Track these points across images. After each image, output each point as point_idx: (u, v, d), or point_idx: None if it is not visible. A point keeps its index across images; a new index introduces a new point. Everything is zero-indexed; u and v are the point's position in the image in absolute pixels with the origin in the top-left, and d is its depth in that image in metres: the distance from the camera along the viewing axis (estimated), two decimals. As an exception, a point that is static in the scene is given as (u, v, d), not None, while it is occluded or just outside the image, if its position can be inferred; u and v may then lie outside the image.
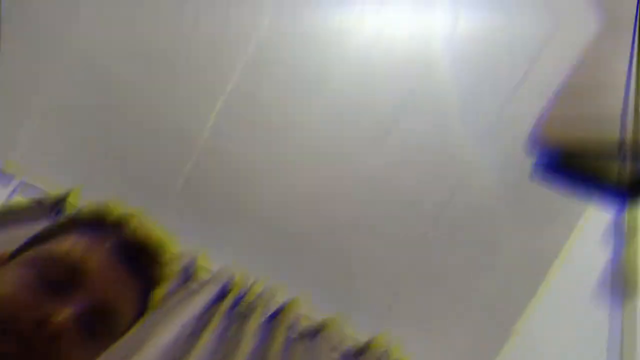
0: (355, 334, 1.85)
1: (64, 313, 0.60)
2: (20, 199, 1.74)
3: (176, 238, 1.85)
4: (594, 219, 1.73)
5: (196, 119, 1.88)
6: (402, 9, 1.77)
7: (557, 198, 1.78)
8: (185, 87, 1.87)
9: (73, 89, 1.88)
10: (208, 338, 1.46)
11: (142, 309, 0.74)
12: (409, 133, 1.84)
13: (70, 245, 0.68)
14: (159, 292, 0.78)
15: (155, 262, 0.74)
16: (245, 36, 1.80)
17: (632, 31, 1.18)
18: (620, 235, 1.50)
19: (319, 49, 1.81)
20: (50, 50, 1.85)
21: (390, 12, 1.79)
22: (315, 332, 1.76)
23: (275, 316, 1.74)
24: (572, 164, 1.36)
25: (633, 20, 1.19)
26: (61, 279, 0.63)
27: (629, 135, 1.10)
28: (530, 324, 1.82)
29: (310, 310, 1.86)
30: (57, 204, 1.72)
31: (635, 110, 1.12)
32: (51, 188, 1.81)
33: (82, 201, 1.79)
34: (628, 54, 1.14)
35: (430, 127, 1.83)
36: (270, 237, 1.94)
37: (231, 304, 1.64)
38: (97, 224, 0.73)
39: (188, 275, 1.77)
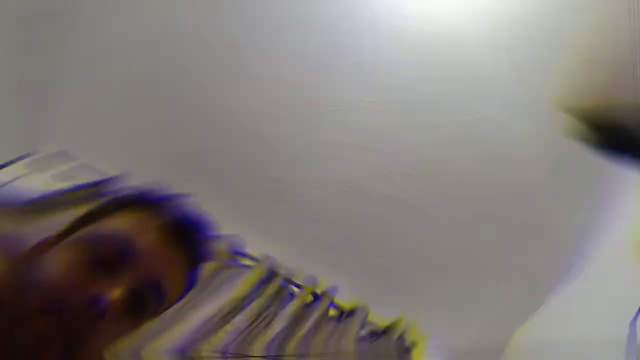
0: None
1: (116, 292, 0.60)
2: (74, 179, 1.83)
3: (222, 221, 2.02)
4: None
5: (242, 102, 1.93)
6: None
7: (598, 172, 1.73)
8: (232, 74, 1.92)
9: (115, 74, 1.96)
10: (246, 316, 1.57)
11: (190, 285, 0.74)
12: (455, 111, 1.82)
13: (120, 223, 0.68)
14: (207, 270, 0.81)
15: (202, 241, 0.75)
16: (284, 20, 1.84)
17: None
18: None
19: (359, 32, 1.81)
20: (91, 33, 1.90)
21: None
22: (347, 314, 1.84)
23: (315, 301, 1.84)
24: (607, 127, 1.34)
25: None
26: (112, 257, 0.63)
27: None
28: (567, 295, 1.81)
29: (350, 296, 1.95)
30: (109, 186, 1.79)
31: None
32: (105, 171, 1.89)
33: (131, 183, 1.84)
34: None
35: (467, 102, 1.80)
36: (316, 222, 2.00)
37: (275, 288, 1.74)
38: (146, 202, 0.74)
39: (231, 258, 1.90)
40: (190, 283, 0.74)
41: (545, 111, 1.75)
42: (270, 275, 1.84)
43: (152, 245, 0.66)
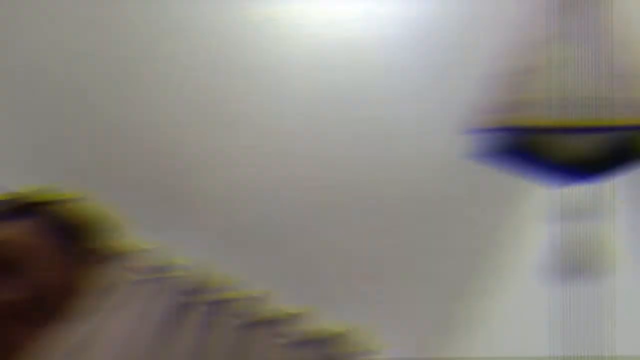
0: (327, 323, 1.86)
1: (6, 296, 0.60)
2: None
3: (129, 233, 1.89)
4: (538, 199, 1.75)
5: (144, 111, 1.89)
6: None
7: (501, 180, 1.82)
8: (129, 80, 1.87)
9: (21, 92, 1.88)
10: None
11: (86, 286, 0.71)
12: (364, 120, 1.84)
13: (7, 229, 0.67)
14: (103, 270, 0.74)
15: (93, 239, 0.73)
16: (189, 26, 1.83)
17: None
18: (566, 213, 1.53)
19: (264, 36, 1.83)
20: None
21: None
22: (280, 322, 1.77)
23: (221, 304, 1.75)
24: (515, 146, 1.40)
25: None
26: (1, 262, 0.63)
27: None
28: (483, 306, 1.85)
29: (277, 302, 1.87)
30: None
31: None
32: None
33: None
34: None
35: (386, 111, 1.83)
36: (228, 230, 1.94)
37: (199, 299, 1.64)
38: (30, 207, 0.71)
39: (146, 270, 1.79)
40: (87, 283, 0.71)
41: (462, 120, 1.82)
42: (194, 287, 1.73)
43: (36, 250, 0.65)
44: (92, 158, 1.92)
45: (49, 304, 0.65)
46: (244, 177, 1.91)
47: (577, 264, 1.48)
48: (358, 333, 1.76)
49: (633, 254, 1.54)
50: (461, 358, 1.77)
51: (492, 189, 1.83)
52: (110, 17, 1.81)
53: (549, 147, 1.32)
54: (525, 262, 1.64)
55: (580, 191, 1.50)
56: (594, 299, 1.46)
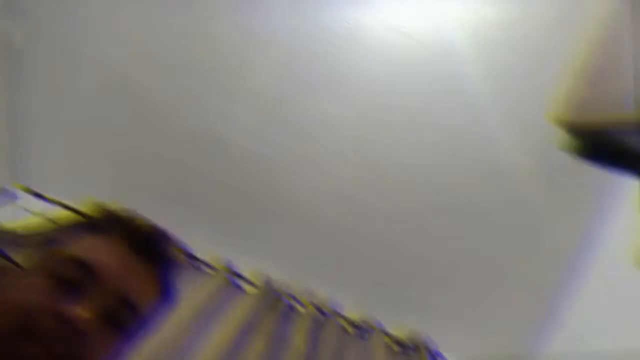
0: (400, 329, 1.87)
1: (86, 309, 0.62)
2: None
3: (210, 243, 1.89)
4: (627, 195, 1.74)
5: (222, 122, 1.88)
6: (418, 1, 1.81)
7: (589, 180, 1.81)
8: (211, 93, 1.87)
9: (96, 102, 1.90)
10: (261, 340, 1.47)
11: (163, 291, 0.77)
12: (439, 126, 1.84)
13: (80, 245, 0.70)
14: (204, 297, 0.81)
15: (164, 250, 0.77)
16: (263, 37, 1.82)
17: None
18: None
19: (338, 47, 1.82)
20: (69, 64, 1.87)
21: (406, 4, 1.82)
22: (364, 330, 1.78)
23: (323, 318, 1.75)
24: (606, 143, 1.38)
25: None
26: (76, 278, 0.65)
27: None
28: (576, 304, 1.83)
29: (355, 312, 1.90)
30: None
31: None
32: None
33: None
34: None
35: (461, 117, 1.83)
36: (303, 238, 1.95)
37: (278, 308, 1.65)
38: (103, 223, 0.76)
39: (230, 281, 1.79)
40: (164, 290, 0.77)
41: (538, 124, 1.81)
42: (272, 294, 1.74)
43: (112, 261, 0.68)
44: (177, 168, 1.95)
45: (129, 308, 0.69)
46: (327, 183, 1.92)
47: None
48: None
49: None
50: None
51: (586, 187, 1.83)
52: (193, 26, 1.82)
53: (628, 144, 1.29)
54: (610, 255, 1.62)
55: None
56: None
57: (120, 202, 1.75)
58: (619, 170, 1.45)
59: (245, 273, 1.86)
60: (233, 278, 1.82)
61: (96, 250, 0.69)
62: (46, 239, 0.74)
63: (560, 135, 1.44)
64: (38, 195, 1.85)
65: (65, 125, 1.93)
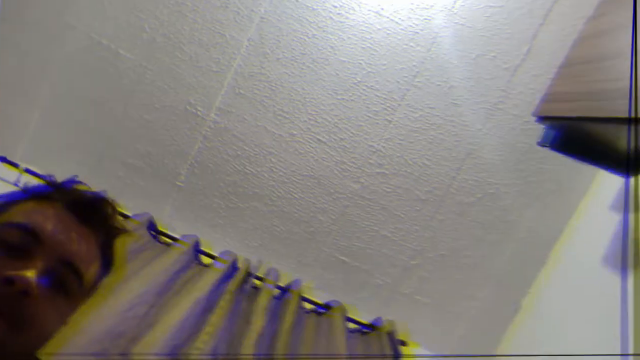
0: (364, 314, 1.87)
1: (29, 271, 0.62)
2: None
3: (182, 219, 1.87)
4: (601, 190, 1.75)
5: (203, 99, 1.89)
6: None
7: (563, 170, 1.83)
8: (190, 68, 1.87)
9: (78, 74, 1.89)
10: (220, 315, 1.46)
11: (106, 261, 0.77)
12: (414, 109, 1.85)
13: (22, 210, 0.71)
14: (120, 245, 0.81)
15: (107, 216, 0.77)
16: (246, 16, 1.82)
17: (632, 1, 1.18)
18: (628, 204, 1.53)
19: (319, 27, 1.83)
20: (53, 36, 1.86)
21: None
22: (322, 311, 1.78)
23: (283, 296, 1.75)
24: (579, 136, 1.38)
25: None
26: (20, 242, 0.66)
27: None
28: (540, 296, 1.84)
29: (317, 292, 1.89)
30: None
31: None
32: (59, 174, 1.80)
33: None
34: (630, 25, 1.14)
35: (435, 102, 1.84)
36: (274, 218, 1.96)
37: (239, 284, 1.64)
38: (47, 191, 0.76)
39: (193, 257, 1.78)
40: (106, 258, 0.77)
41: (513, 113, 1.83)
42: (233, 271, 1.73)
43: (56, 226, 0.69)
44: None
45: (72, 272, 0.70)
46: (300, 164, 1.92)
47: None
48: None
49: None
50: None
51: (562, 179, 1.84)
52: None
53: (619, 138, 1.29)
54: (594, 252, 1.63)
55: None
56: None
57: (91, 172, 1.73)
58: (592, 163, 1.46)
59: (210, 249, 1.86)
60: (196, 253, 1.81)
61: (39, 216, 0.70)
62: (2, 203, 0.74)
63: (535, 125, 1.45)
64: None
65: (42, 94, 1.91)
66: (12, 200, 0.75)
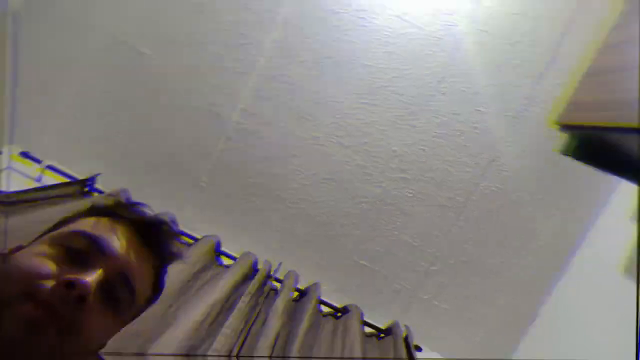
0: (381, 318, 1.88)
1: (89, 278, 0.64)
2: (52, 181, 1.79)
3: (201, 219, 1.90)
4: (622, 200, 1.72)
5: (227, 100, 1.91)
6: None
7: (584, 179, 1.80)
8: (213, 68, 1.89)
9: (103, 73, 1.93)
10: (238, 317, 1.48)
11: (157, 286, 0.80)
12: (438, 114, 1.85)
13: (90, 223, 0.73)
14: (188, 272, 0.83)
15: (167, 242, 0.79)
16: (268, 18, 1.84)
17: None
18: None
19: (343, 31, 1.83)
20: (78, 36, 1.90)
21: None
22: (340, 315, 1.79)
23: (301, 298, 1.77)
24: (601, 145, 1.36)
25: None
26: (83, 250, 0.68)
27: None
28: (558, 304, 1.83)
29: (335, 295, 1.91)
30: (84, 185, 1.79)
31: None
32: (82, 171, 1.87)
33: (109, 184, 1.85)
34: None
35: (459, 108, 1.83)
36: (296, 221, 1.97)
37: (259, 286, 1.66)
38: (113, 208, 0.79)
39: (214, 257, 1.81)
40: (159, 282, 0.80)
41: (535, 120, 1.81)
42: (253, 273, 1.75)
43: (120, 241, 0.71)
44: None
45: (127, 288, 0.71)
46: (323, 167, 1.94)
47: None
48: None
49: None
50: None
51: (583, 188, 1.82)
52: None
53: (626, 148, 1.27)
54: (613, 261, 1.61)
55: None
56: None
57: (114, 170, 1.76)
58: (614, 173, 1.45)
59: (232, 252, 1.88)
60: (217, 254, 1.84)
61: (104, 229, 0.72)
62: (61, 218, 0.77)
63: (557, 134, 1.44)
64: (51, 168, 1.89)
65: (66, 93, 1.95)
66: (76, 213, 0.78)
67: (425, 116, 1.86)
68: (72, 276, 0.63)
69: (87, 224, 0.73)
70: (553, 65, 1.78)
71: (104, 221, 0.74)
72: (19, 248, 0.72)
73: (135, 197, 1.82)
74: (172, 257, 0.81)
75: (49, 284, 0.62)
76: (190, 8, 1.86)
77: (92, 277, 0.65)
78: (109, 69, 1.92)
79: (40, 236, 0.73)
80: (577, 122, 1.39)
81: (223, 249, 1.87)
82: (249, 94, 1.90)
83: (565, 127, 1.41)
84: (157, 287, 0.80)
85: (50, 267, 0.64)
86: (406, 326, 1.82)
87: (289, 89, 1.89)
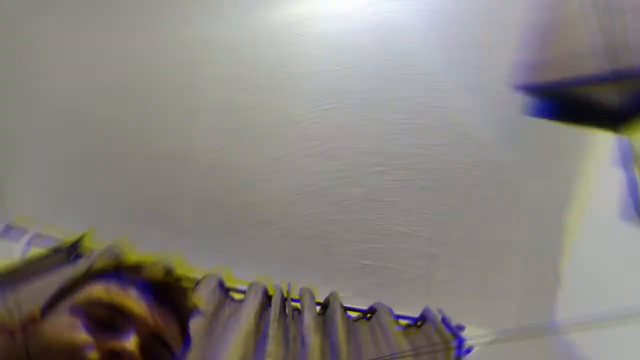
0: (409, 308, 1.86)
1: (130, 342, 0.65)
2: (36, 250, 1.66)
3: (195, 260, 1.81)
4: (600, 149, 1.77)
5: (187, 140, 1.86)
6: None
7: (558, 136, 1.87)
8: (168, 113, 1.84)
9: (64, 134, 1.84)
10: (275, 344, 1.42)
11: (185, 336, 0.81)
12: (397, 101, 1.85)
13: (103, 289, 0.73)
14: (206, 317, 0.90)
15: (180, 294, 0.81)
16: (214, 47, 1.80)
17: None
18: (628, 158, 1.58)
19: (284, 43, 1.82)
20: (36, 100, 1.80)
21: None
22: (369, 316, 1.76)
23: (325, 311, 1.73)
24: (563, 101, 1.43)
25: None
26: (109, 317, 0.68)
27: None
28: (574, 259, 1.86)
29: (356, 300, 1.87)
30: (74, 249, 1.69)
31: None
32: (64, 234, 1.75)
33: (96, 242, 1.76)
34: None
35: (417, 92, 1.84)
36: (290, 240, 1.93)
37: (280, 310, 1.60)
38: (117, 270, 0.79)
39: (224, 295, 1.73)
40: (185, 333, 0.81)
41: (498, 89, 1.87)
42: (267, 299, 1.69)
43: (138, 302, 0.72)
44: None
45: (163, 346, 0.73)
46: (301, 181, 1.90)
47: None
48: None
49: None
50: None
51: (559, 144, 1.89)
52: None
53: (602, 95, 1.34)
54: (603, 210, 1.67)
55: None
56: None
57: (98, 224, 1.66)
58: (589, 125, 1.52)
59: (237, 284, 1.81)
60: (223, 291, 1.76)
61: (119, 295, 0.72)
62: (63, 284, 0.77)
63: (524, 98, 1.50)
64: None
65: (28, 160, 1.84)
66: (80, 278, 0.77)
67: (386, 106, 1.88)
68: (115, 345, 0.64)
69: (100, 293, 0.72)
70: (495, 30, 1.84)
71: (115, 287, 0.73)
72: (33, 320, 0.70)
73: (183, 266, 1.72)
74: (190, 309, 0.82)
75: (93, 356, 0.62)
76: (137, 59, 1.80)
77: (131, 343, 0.65)
78: (64, 132, 1.83)
79: (50, 307, 0.72)
80: (533, 81, 1.43)
81: (227, 285, 1.80)
82: (205, 130, 1.85)
83: (523, 88, 1.47)
84: (187, 341, 0.82)
85: (86, 338, 0.63)
86: (439, 309, 1.81)
87: (246, 116, 1.85)
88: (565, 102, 1.40)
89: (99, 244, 1.78)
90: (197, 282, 1.76)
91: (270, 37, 1.81)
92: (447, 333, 1.59)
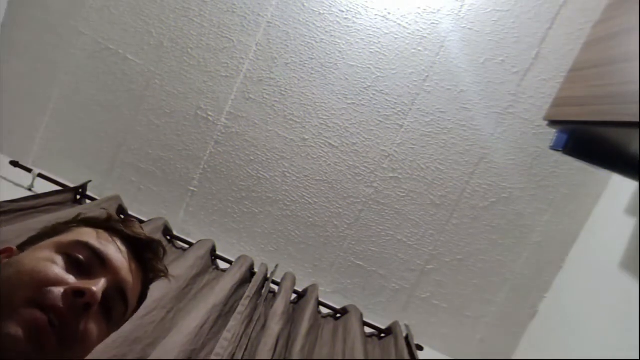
0: (381, 318, 1.89)
1: (96, 287, 0.66)
2: (41, 190, 1.76)
3: (197, 225, 1.89)
4: (615, 194, 1.75)
5: (213, 104, 1.91)
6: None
7: (576, 174, 1.81)
8: (199, 73, 1.90)
9: (87, 79, 1.92)
10: (238, 320, 1.47)
11: (141, 299, 0.84)
12: (425, 113, 1.87)
13: (92, 234, 0.76)
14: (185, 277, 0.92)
15: (158, 259, 0.84)
16: (253, 21, 1.85)
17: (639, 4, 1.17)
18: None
19: (327, 32, 1.84)
20: (62, 42, 1.89)
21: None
22: (339, 316, 1.80)
23: (300, 300, 1.77)
24: (590, 140, 1.38)
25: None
26: (88, 262, 0.71)
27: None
28: (557, 300, 1.84)
29: (334, 297, 1.90)
30: (78, 194, 1.78)
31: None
32: (73, 178, 1.86)
33: (101, 190, 1.86)
34: (638, 28, 1.13)
35: (446, 106, 1.85)
36: (289, 223, 1.97)
37: (256, 289, 1.65)
38: (109, 221, 0.82)
39: (210, 261, 1.80)
40: (144, 296, 0.84)
41: (524, 117, 1.83)
42: (250, 276, 1.75)
43: (117, 256, 0.75)
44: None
45: (121, 300, 0.75)
46: (313, 169, 1.94)
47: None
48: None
49: None
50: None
51: (576, 183, 1.84)
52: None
53: (631, 142, 1.28)
54: (610, 256, 1.63)
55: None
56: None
57: (104, 177, 1.74)
58: (605, 167, 1.46)
59: (228, 255, 1.88)
60: (212, 258, 1.84)
61: (104, 242, 0.75)
62: (53, 224, 0.80)
63: (549, 130, 1.46)
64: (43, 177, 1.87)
65: (52, 101, 1.94)
66: (71, 222, 0.81)
67: (412, 115, 1.88)
68: (82, 286, 0.65)
69: (88, 235, 0.75)
70: (538, 60, 1.81)
71: (104, 234, 0.77)
72: (8, 250, 0.74)
73: (127, 202, 1.82)
74: (160, 274, 0.85)
75: (58, 290, 0.63)
76: (173, 13, 1.87)
77: (98, 287, 0.66)
78: (94, 75, 1.91)
79: (37, 241, 0.75)
80: (564, 117, 1.40)
81: (218, 252, 1.87)
82: (235, 97, 1.90)
83: (554, 122, 1.42)
84: (142, 301, 0.84)
85: (58, 273, 0.66)
86: (406, 325, 1.83)
87: (275, 91, 1.89)
88: (594, 142, 1.36)
89: (102, 193, 1.90)
90: (190, 245, 1.85)
91: (311, 20, 1.84)
92: (404, 351, 1.60)
